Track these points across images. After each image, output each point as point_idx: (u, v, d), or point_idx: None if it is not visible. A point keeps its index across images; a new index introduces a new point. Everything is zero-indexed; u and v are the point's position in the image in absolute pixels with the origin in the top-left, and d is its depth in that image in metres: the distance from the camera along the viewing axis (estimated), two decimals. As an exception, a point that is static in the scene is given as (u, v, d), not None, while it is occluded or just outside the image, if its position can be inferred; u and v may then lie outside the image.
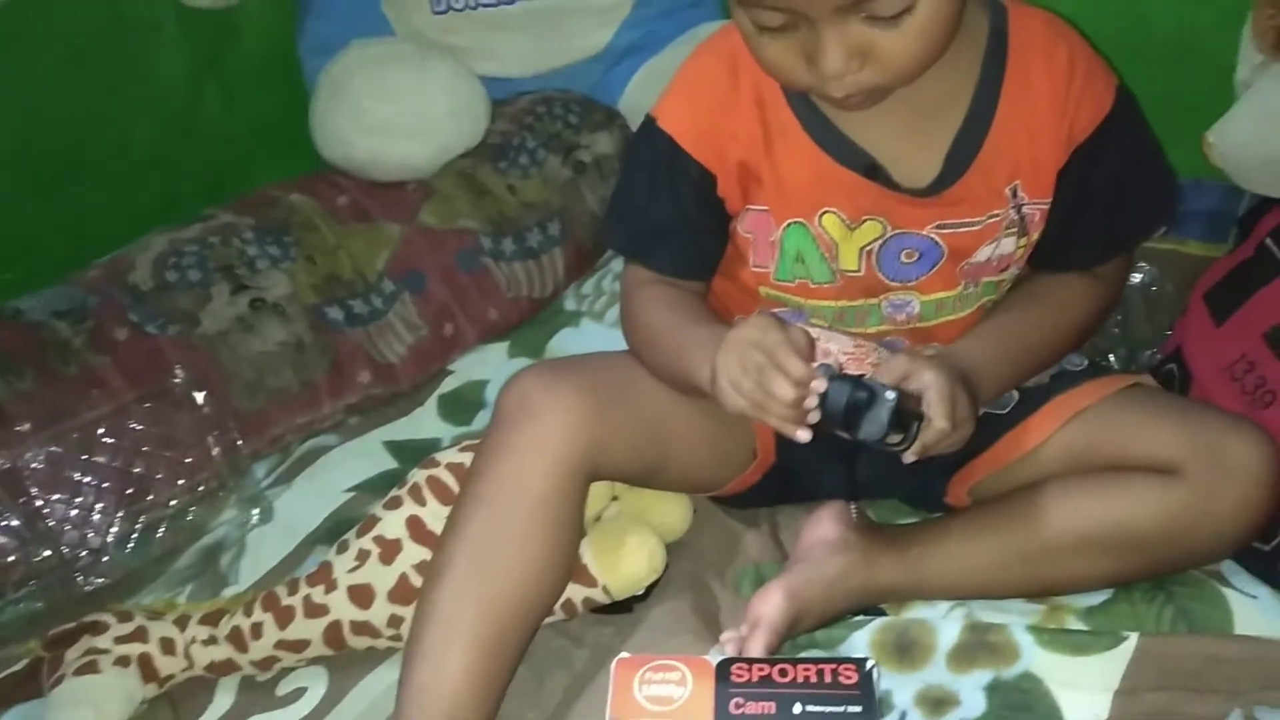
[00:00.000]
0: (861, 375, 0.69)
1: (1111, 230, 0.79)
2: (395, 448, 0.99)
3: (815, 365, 0.67)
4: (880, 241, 0.75)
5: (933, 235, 0.75)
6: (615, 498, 0.84)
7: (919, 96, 0.69)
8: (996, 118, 0.73)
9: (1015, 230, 0.76)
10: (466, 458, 0.79)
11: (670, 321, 0.76)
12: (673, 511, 0.83)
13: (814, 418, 0.66)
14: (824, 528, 0.79)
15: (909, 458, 0.69)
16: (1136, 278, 0.93)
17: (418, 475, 0.81)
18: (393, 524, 0.79)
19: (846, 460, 0.82)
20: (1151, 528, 0.72)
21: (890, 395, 0.67)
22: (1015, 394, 0.79)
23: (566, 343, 1.06)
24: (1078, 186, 0.75)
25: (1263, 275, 0.81)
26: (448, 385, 1.05)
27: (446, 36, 1.15)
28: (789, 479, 0.84)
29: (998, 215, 0.75)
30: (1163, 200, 0.80)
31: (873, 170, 0.73)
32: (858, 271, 0.76)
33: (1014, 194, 0.75)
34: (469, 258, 1.08)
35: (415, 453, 0.95)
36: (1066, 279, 0.79)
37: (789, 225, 0.76)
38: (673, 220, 0.77)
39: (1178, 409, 0.76)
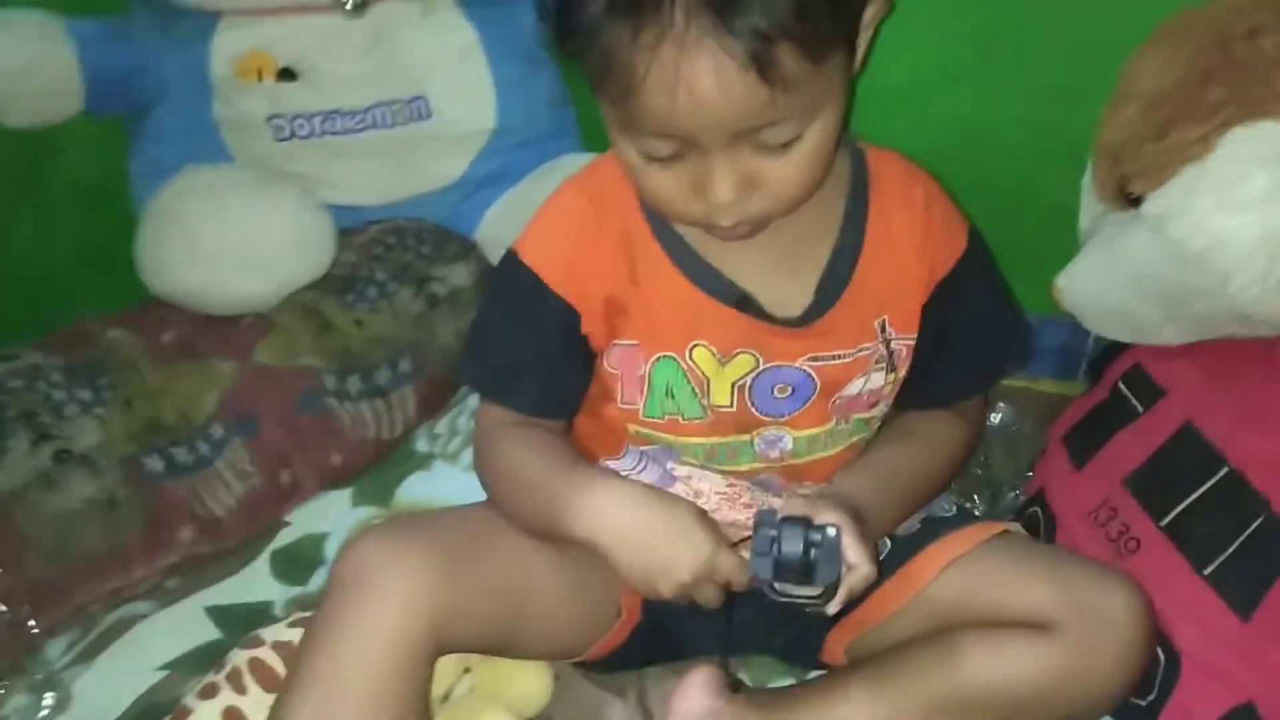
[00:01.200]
0: (789, 517, 0.64)
1: (973, 366, 0.81)
2: (220, 614, 0.89)
3: (755, 511, 0.64)
4: (753, 375, 0.74)
5: (805, 367, 0.74)
6: (468, 669, 0.77)
7: (787, 230, 0.70)
8: (863, 252, 0.74)
9: (884, 365, 0.77)
10: (296, 635, 0.71)
11: (536, 466, 0.73)
12: (531, 683, 0.77)
13: (766, 573, 0.62)
14: (693, 698, 0.73)
15: (833, 609, 0.66)
16: (995, 418, 0.95)
17: (238, 657, 0.72)
18: (207, 717, 0.70)
19: (721, 612, 0.77)
20: (1029, 688, 0.70)
21: (832, 531, 0.62)
22: (888, 542, 0.77)
23: (416, 488, 0.99)
24: (940, 323, 0.77)
25: (1118, 419, 0.82)
26: (283, 539, 0.95)
27: (290, 165, 1.10)
28: (657, 637, 0.80)
29: (867, 349, 0.75)
30: (1018, 337, 0.84)
31: (744, 302, 0.73)
32: (730, 407, 0.75)
33: (882, 329, 0.76)
34: (310, 398, 1.00)
35: (243, 620, 0.86)
36: (933, 415, 0.80)
37: (658, 359, 0.74)
38: (533, 357, 0.75)
39: (1049, 561, 0.75)
